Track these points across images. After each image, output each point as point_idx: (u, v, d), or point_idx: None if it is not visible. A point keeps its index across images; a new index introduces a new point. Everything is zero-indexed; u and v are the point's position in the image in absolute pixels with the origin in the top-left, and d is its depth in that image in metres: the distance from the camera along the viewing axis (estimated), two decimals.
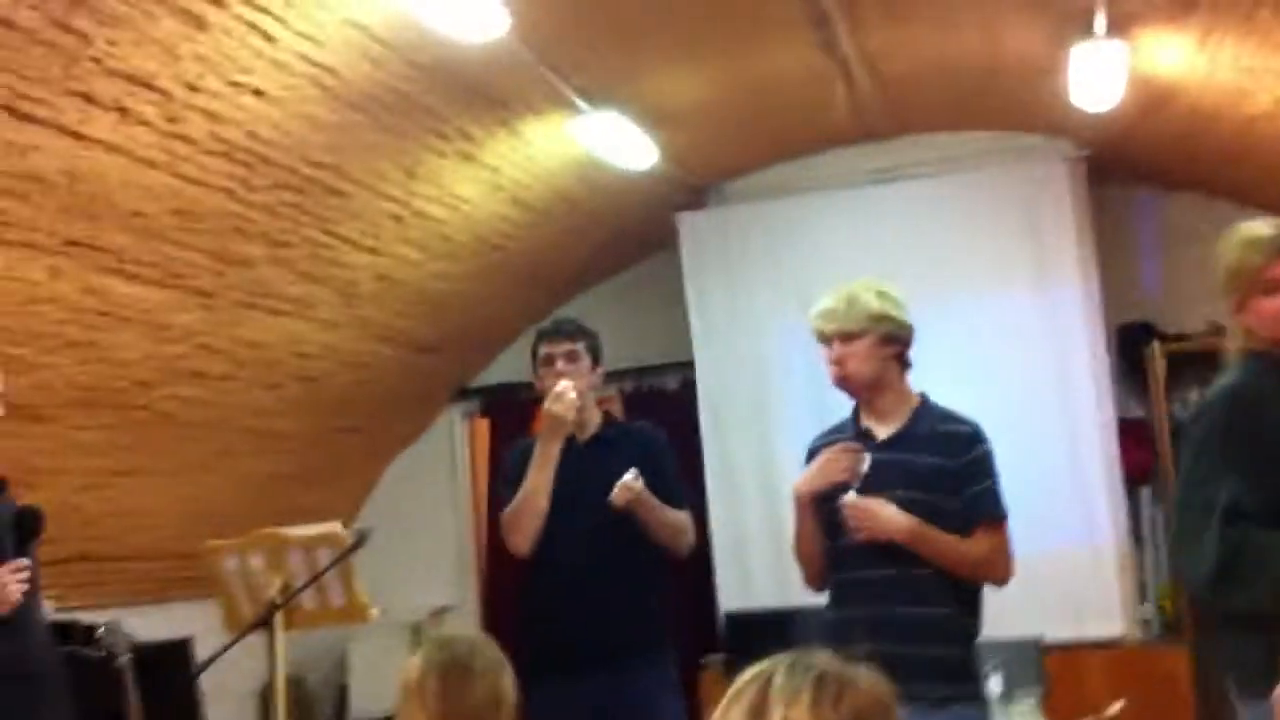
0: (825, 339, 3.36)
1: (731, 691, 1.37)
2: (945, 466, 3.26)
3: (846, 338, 3.31)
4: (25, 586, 3.26)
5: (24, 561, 3.28)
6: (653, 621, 3.95)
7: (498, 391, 7.25)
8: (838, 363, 3.34)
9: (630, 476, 3.76)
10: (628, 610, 3.87)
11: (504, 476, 4.02)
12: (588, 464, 3.87)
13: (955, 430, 3.32)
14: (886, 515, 3.21)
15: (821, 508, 3.35)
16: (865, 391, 3.36)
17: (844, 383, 3.37)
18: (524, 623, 4.01)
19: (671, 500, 3.91)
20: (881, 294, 3.35)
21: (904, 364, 3.39)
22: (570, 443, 3.91)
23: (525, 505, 3.86)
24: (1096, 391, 6.06)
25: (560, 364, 3.93)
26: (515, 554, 3.96)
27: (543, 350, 3.98)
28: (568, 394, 3.81)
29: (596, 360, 4.02)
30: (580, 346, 3.97)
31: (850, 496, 3.24)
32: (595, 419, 4.04)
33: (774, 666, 1.37)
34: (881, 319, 3.31)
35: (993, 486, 3.29)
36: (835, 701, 1.33)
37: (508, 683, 2.22)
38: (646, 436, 4.09)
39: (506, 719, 2.20)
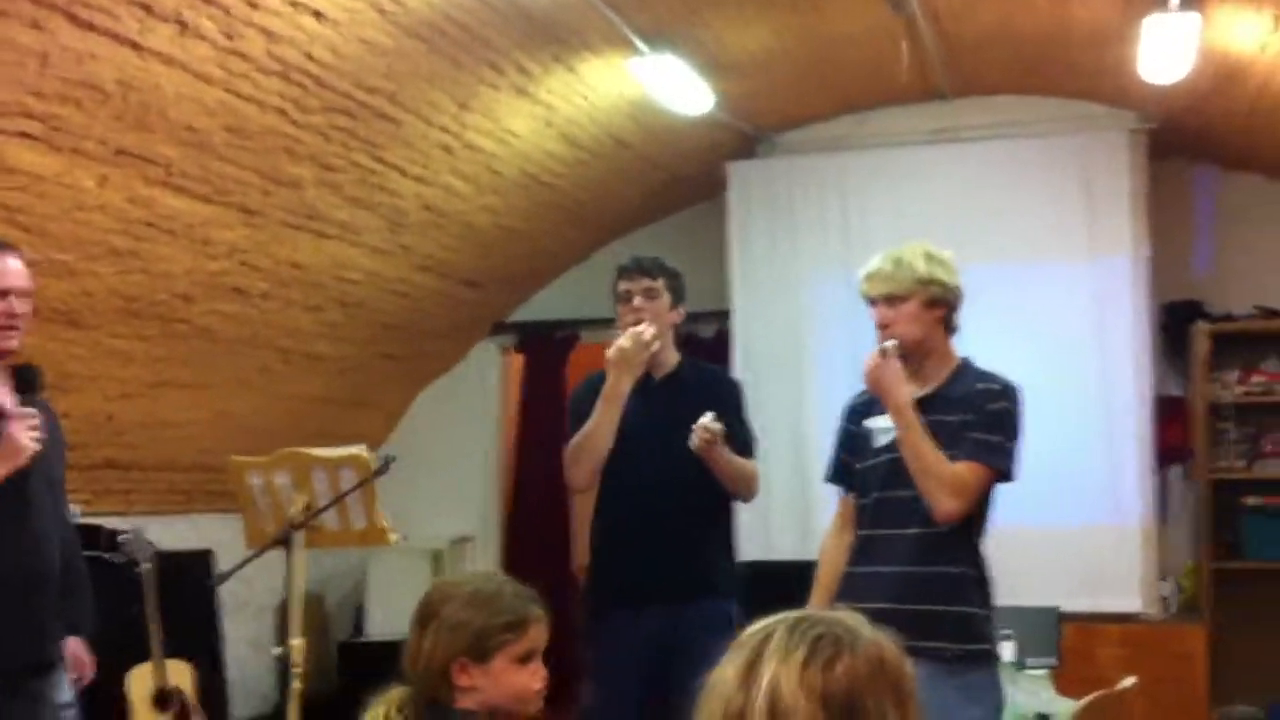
0: (872, 301, 3.32)
1: (735, 643, 1.33)
2: (969, 420, 3.20)
3: (892, 300, 3.27)
4: (38, 434, 3.10)
5: (30, 410, 3.11)
6: (716, 561, 3.87)
7: (534, 327, 7.24)
8: (883, 325, 3.30)
9: (709, 419, 3.64)
10: (691, 549, 3.80)
11: (573, 409, 3.90)
12: (661, 402, 3.79)
13: (986, 388, 3.25)
14: (900, 386, 3.17)
15: (857, 461, 3.34)
16: (911, 353, 3.33)
17: None
18: (592, 555, 3.94)
19: (742, 445, 3.83)
20: (929, 256, 3.28)
21: (949, 327, 3.33)
22: (645, 380, 3.80)
23: (588, 442, 3.75)
24: (1136, 366, 6.01)
25: (638, 300, 3.80)
26: (572, 488, 3.93)
27: (621, 286, 3.84)
28: (644, 334, 3.71)
29: (678, 299, 3.89)
30: (659, 283, 3.83)
31: (892, 345, 3.21)
32: (673, 358, 3.91)
33: (779, 621, 1.32)
34: (929, 282, 3.25)
35: (1004, 443, 3.19)
36: (827, 665, 1.27)
37: (456, 615, 2.15)
38: (721, 380, 4.03)
39: (444, 653, 2.15)
